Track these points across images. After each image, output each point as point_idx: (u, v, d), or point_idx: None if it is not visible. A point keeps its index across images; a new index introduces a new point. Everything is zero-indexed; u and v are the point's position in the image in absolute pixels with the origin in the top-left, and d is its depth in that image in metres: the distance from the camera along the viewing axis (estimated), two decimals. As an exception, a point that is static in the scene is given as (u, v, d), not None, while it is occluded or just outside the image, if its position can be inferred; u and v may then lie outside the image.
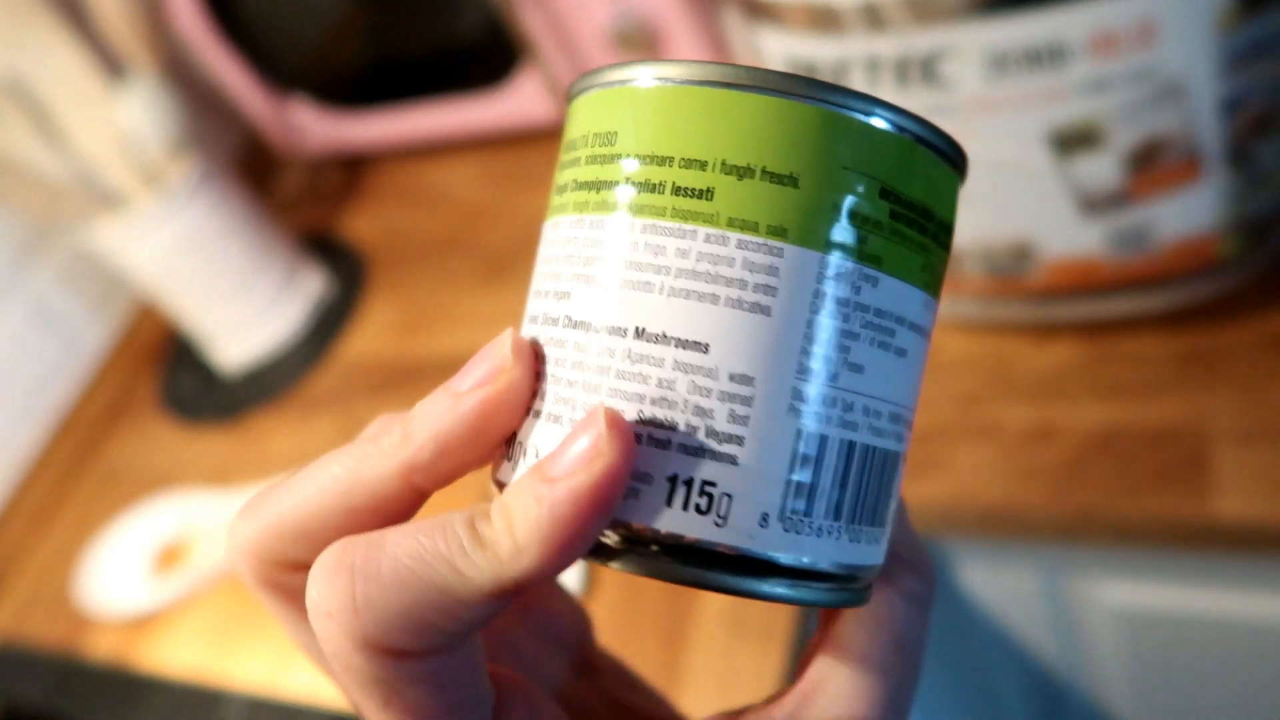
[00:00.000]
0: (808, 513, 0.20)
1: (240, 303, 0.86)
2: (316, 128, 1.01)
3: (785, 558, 0.20)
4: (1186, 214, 0.50)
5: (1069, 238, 0.53)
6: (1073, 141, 0.47)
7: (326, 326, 0.89)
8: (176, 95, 0.80)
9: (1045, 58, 0.45)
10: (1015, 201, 0.52)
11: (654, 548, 0.20)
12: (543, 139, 0.98)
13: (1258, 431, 0.53)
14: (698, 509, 0.19)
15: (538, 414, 0.21)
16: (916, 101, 0.48)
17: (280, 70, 0.97)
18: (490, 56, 0.91)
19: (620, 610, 0.62)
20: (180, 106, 0.80)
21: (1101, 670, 0.73)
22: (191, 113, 0.83)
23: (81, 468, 0.89)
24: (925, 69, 0.46)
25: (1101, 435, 0.56)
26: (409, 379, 0.83)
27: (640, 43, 0.78)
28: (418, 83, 0.96)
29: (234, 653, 0.69)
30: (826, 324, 0.20)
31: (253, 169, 1.09)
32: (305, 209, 1.05)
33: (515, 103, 0.91)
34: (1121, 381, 0.57)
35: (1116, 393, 0.57)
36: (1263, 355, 0.55)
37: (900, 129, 0.20)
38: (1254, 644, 0.65)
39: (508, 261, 0.89)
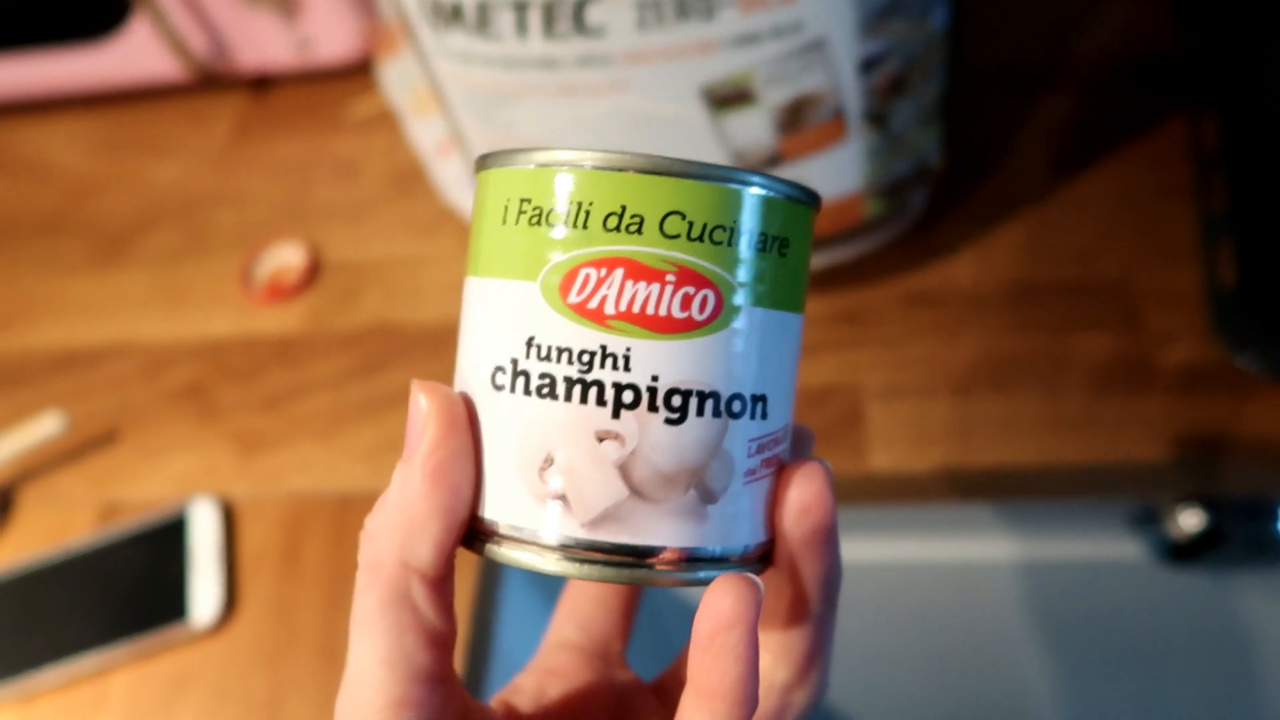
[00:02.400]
0: None
1: None
2: None
3: None
4: (835, 175, 0.51)
5: (728, 200, 0.52)
6: (726, 97, 0.46)
7: (-114, 323, 0.73)
8: None
9: (695, 7, 0.43)
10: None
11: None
12: (161, 97, 0.86)
13: (900, 386, 0.55)
14: None
15: None
16: (568, 50, 0.44)
17: None
18: (95, 1, 0.78)
19: (271, 630, 0.54)
20: None
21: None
22: None
23: None
24: (575, 14, 0.43)
25: (766, 398, 0.56)
26: (4, 381, 0.70)
27: (271, -12, 0.69)
28: (3, 30, 0.81)
29: None
30: None
31: None
32: None
33: (126, 55, 0.79)
34: (782, 344, 0.58)
35: (778, 355, 0.57)
36: (905, 312, 0.58)
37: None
38: (904, 584, 0.69)
39: (123, 240, 0.77)
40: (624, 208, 0.23)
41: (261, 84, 0.85)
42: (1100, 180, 0.60)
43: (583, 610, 0.31)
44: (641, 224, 0.23)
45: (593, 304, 0.23)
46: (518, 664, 0.59)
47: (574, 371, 0.23)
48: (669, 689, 0.30)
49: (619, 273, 0.23)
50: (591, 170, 0.23)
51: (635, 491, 0.23)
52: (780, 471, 0.25)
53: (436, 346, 0.64)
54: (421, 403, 0.24)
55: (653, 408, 0.23)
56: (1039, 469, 0.51)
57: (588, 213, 0.23)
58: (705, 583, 0.23)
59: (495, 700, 0.29)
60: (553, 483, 0.23)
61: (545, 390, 0.23)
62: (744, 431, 0.24)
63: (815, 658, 0.26)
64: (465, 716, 0.26)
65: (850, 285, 0.59)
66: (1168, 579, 0.61)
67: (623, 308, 0.23)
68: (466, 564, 0.54)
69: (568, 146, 0.24)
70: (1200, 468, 0.50)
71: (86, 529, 0.61)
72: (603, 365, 0.23)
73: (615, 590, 0.32)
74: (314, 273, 0.70)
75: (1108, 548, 0.62)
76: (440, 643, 0.24)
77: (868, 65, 0.47)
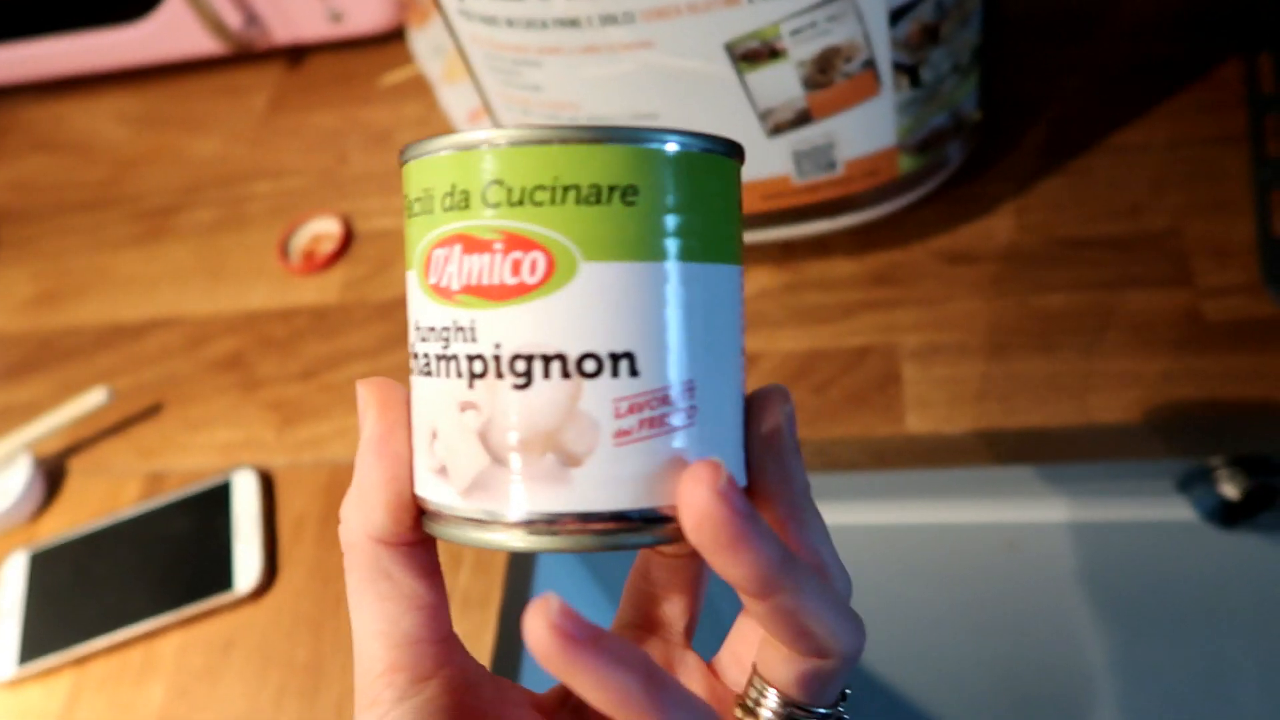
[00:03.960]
0: None
1: None
2: (-88, 63, 0.84)
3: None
4: (867, 130, 0.50)
5: (760, 159, 0.51)
6: (752, 52, 0.45)
7: (-61, 300, 0.75)
8: None
9: (719, -41, 0.42)
10: (705, 119, 0.49)
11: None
12: (198, 72, 0.86)
13: (938, 346, 0.54)
14: None
15: None
16: (591, 8, 0.44)
17: None
18: (130, -22, 0.78)
19: (312, 596, 0.55)
20: None
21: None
22: None
23: None
24: (596, -30, 0.42)
25: (800, 361, 0.55)
26: (54, 357, 0.71)
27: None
28: (44, 13, 0.82)
29: None
30: None
31: None
32: (-92, 162, 0.88)
33: (163, 31, 0.79)
34: (816, 305, 0.57)
35: (812, 317, 0.56)
36: (942, 271, 0.56)
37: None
38: (947, 547, 0.68)
39: (165, 214, 0.78)
40: (454, 186, 0.23)
41: (296, 56, 0.85)
42: (1148, 129, 0.58)
43: (643, 592, 0.31)
44: (468, 198, 0.23)
45: (444, 282, 0.24)
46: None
47: (439, 348, 0.24)
48: (726, 667, 0.29)
49: (457, 249, 0.23)
50: (423, 159, 0.24)
51: (495, 458, 0.23)
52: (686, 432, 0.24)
53: (470, 314, 0.64)
54: (361, 393, 0.26)
55: (499, 374, 0.23)
56: (1084, 429, 0.50)
57: (430, 197, 0.24)
58: (601, 549, 0.23)
59: (553, 688, 0.30)
60: (438, 454, 0.24)
61: (426, 368, 0.24)
62: (605, 391, 0.23)
63: (805, 629, 0.24)
64: (465, 676, 0.26)
65: (885, 244, 0.58)
66: (1219, 540, 0.59)
67: (464, 281, 0.23)
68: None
69: (428, 139, 0.24)
70: (1252, 426, 0.49)
71: (133, 499, 0.62)
72: (457, 339, 0.23)
73: (673, 571, 0.31)
74: (349, 243, 0.70)
75: (1157, 509, 0.60)
76: (422, 606, 0.26)
77: (899, 14, 0.45)
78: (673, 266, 0.23)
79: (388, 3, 0.77)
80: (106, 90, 0.89)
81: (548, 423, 0.23)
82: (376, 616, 0.25)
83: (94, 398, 0.63)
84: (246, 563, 0.56)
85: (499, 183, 0.23)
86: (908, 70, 0.48)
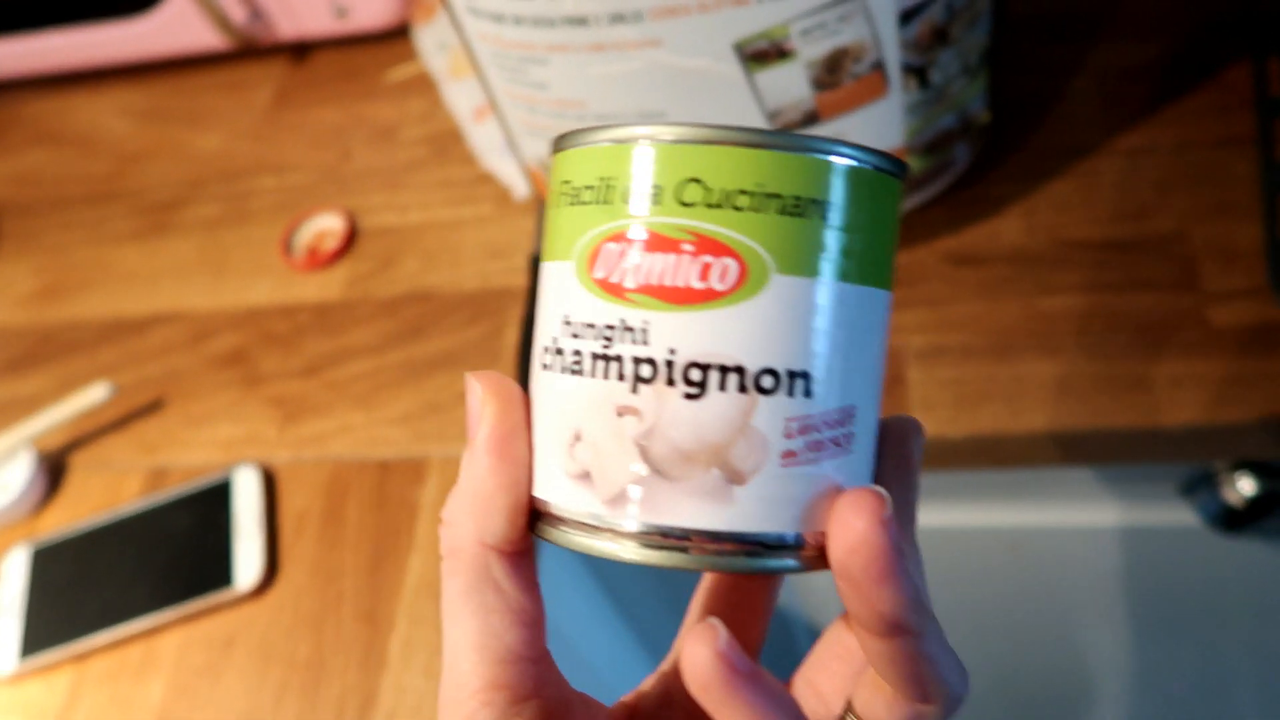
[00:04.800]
0: None
1: None
2: (-85, 55, 0.84)
3: None
4: (875, 131, 0.50)
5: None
6: (761, 52, 0.45)
7: (-59, 294, 0.74)
8: None
9: (728, -42, 0.41)
10: (712, 119, 0.49)
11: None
12: (203, 67, 0.86)
13: (943, 348, 0.54)
14: None
15: None
16: (600, 6, 0.43)
17: None
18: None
19: (313, 594, 0.55)
20: None
21: (821, 594, 0.74)
22: None
23: None
24: (604, -32, 0.42)
25: (806, 361, 0.55)
26: (56, 351, 0.71)
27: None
28: (47, 7, 0.82)
29: None
30: None
31: None
32: (-90, 155, 0.88)
33: (167, 26, 0.79)
34: (822, 306, 0.57)
35: (818, 317, 0.56)
36: (948, 272, 0.56)
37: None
38: (950, 550, 0.68)
39: (168, 209, 0.77)
40: (642, 179, 0.22)
41: (300, 52, 0.85)
42: (1155, 131, 0.58)
43: (712, 610, 0.30)
44: (659, 194, 0.22)
45: (614, 278, 0.22)
46: (557, 638, 0.59)
47: (598, 346, 0.22)
48: (800, 696, 0.28)
49: (637, 245, 0.22)
50: (609, 145, 0.23)
51: (654, 469, 0.22)
52: (846, 459, 0.23)
53: (475, 312, 0.64)
54: (476, 388, 0.24)
55: (670, 382, 0.22)
56: (1088, 432, 0.50)
57: (610, 187, 0.22)
58: (748, 571, 0.22)
59: (618, 704, 0.29)
60: (580, 458, 0.23)
61: (576, 366, 0.23)
62: (779, 410, 0.22)
63: (920, 673, 0.23)
64: (561, 698, 0.25)
65: (892, 245, 0.58)
66: (1222, 545, 0.59)
67: (641, 280, 0.22)
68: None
69: (602, 125, 0.23)
70: (1256, 431, 0.49)
71: (135, 495, 0.62)
72: (623, 339, 0.22)
73: (747, 593, 0.30)
74: (353, 239, 0.70)
75: (1161, 513, 0.60)
76: (527, 622, 0.24)
77: (908, 15, 0.45)
78: (850, 288, 0.23)
79: (393, -1, 0.77)
80: (110, 85, 0.88)
81: (718, 437, 0.22)
82: (479, 629, 0.24)
83: (96, 393, 0.63)
84: (247, 559, 0.56)
85: (697, 181, 0.22)
86: (916, 71, 0.48)
